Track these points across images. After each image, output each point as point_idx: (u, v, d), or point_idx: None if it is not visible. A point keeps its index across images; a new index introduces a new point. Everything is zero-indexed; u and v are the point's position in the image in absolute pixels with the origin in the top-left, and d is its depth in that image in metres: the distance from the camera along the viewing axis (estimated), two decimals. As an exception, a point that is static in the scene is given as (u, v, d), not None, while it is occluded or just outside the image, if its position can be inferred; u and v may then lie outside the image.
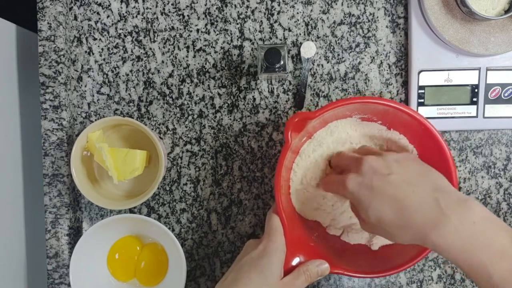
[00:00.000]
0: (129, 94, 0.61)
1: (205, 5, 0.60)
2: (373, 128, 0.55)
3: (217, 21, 0.60)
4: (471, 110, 0.58)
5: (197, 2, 0.60)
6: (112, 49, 0.61)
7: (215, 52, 0.60)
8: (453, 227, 0.39)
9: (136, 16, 0.60)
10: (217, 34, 0.60)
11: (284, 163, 0.50)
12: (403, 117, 0.51)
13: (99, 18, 0.61)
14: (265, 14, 0.60)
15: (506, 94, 0.58)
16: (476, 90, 0.58)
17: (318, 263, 0.49)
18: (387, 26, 0.60)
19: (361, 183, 0.44)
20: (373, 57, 0.60)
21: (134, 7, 0.60)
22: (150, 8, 0.60)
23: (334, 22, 0.60)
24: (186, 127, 0.61)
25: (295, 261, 0.50)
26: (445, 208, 0.40)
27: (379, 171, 0.44)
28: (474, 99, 0.58)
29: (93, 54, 0.61)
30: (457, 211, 0.40)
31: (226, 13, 0.60)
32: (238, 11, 0.60)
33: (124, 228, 0.60)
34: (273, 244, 0.47)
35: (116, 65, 0.61)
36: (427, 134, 0.51)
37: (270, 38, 0.60)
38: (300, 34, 0.60)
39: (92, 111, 0.61)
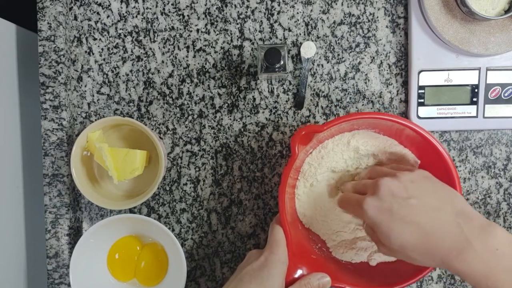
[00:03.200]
0: (129, 94, 0.61)
1: (205, 5, 0.60)
2: (382, 140, 0.55)
3: (217, 21, 0.60)
4: (471, 110, 0.58)
5: (197, 2, 0.60)
6: (112, 49, 0.61)
7: (215, 52, 0.60)
8: (476, 253, 0.39)
9: (136, 16, 0.60)
10: (217, 34, 0.60)
11: (289, 175, 0.50)
12: (410, 133, 0.51)
13: (99, 18, 0.61)
14: (265, 14, 0.60)
15: (506, 94, 0.58)
16: (476, 90, 0.58)
17: (319, 276, 0.49)
18: (387, 26, 0.60)
19: (380, 207, 0.43)
20: (373, 57, 0.60)
21: (134, 7, 0.60)
22: (150, 8, 0.60)
23: (334, 22, 0.60)
24: (186, 127, 0.61)
25: (298, 273, 0.50)
26: (468, 234, 0.40)
27: (398, 195, 0.43)
28: (474, 99, 0.58)
29: (93, 54, 0.61)
30: (480, 237, 0.40)
31: (226, 13, 0.60)
32: (238, 11, 0.60)
33: (124, 228, 0.59)
34: (275, 256, 0.47)
35: (116, 65, 0.61)
36: (433, 152, 0.51)
37: (270, 38, 0.60)
38: (300, 34, 0.60)
39: (92, 111, 0.61)
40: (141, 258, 0.60)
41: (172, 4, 0.60)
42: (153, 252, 0.60)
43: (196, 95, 0.61)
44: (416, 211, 0.42)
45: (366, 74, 0.60)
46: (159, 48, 0.60)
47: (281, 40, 0.60)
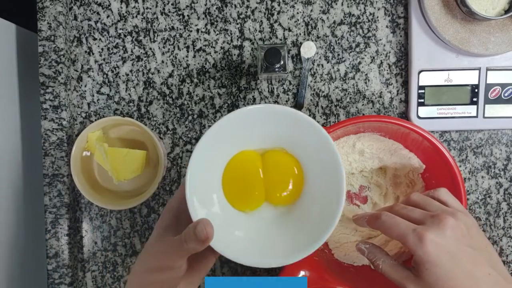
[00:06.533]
0: (129, 94, 0.61)
1: (205, 5, 0.60)
2: (387, 144, 0.55)
3: (217, 21, 0.60)
4: (471, 110, 0.58)
5: (197, 2, 0.60)
6: (112, 49, 0.61)
7: (215, 52, 0.60)
8: None
9: (136, 16, 0.60)
10: (217, 34, 0.60)
11: None
12: (415, 137, 0.51)
13: (99, 18, 0.61)
14: (265, 14, 0.60)
15: (506, 94, 0.58)
16: (476, 90, 0.58)
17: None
18: (387, 26, 0.60)
19: (442, 246, 0.41)
20: (373, 57, 0.60)
21: (134, 7, 0.60)
22: (150, 8, 0.60)
23: (334, 22, 0.60)
24: (186, 127, 0.61)
25: (300, 274, 0.50)
26: None
27: (461, 240, 0.42)
28: (474, 99, 0.58)
29: (93, 54, 0.61)
30: None
31: (226, 13, 0.60)
32: (238, 11, 0.60)
33: (244, 133, 0.44)
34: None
35: (116, 65, 0.61)
36: (439, 157, 0.51)
37: (270, 38, 0.60)
38: (300, 34, 0.60)
39: (92, 111, 0.61)
40: (270, 172, 0.44)
41: (172, 4, 0.60)
42: (280, 159, 0.45)
43: (196, 95, 0.61)
44: (474, 262, 0.41)
45: (366, 74, 0.60)
46: (159, 48, 0.60)
47: (281, 40, 0.60)
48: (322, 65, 0.60)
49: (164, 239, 0.42)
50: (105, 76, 0.61)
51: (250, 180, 0.45)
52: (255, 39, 0.60)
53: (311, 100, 0.60)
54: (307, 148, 0.44)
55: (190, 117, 0.61)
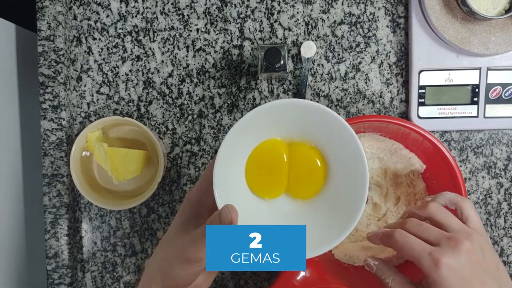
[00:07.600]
0: (129, 94, 0.61)
1: (205, 4, 0.60)
2: (387, 144, 0.55)
3: (217, 21, 0.60)
4: (472, 110, 0.58)
5: (197, 2, 0.60)
6: (111, 48, 0.61)
7: (215, 51, 0.60)
8: None
9: (136, 16, 0.60)
10: (217, 33, 0.60)
11: None
12: (416, 137, 0.51)
13: (99, 18, 0.60)
14: (265, 13, 0.60)
15: (506, 94, 0.58)
16: (476, 90, 0.58)
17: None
18: (387, 26, 0.60)
19: (456, 271, 0.41)
20: (374, 57, 0.60)
21: (134, 6, 0.60)
22: (150, 8, 0.60)
23: (335, 22, 0.60)
24: (186, 127, 0.61)
25: (301, 274, 0.50)
26: None
27: (475, 263, 0.42)
28: (475, 99, 0.58)
29: (92, 53, 0.61)
30: None
31: (226, 12, 0.60)
32: (238, 11, 0.60)
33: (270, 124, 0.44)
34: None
35: (116, 64, 0.61)
36: (439, 157, 0.51)
37: (270, 38, 0.60)
38: (300, 33, 0.60)
39: (91, 111, 0.61)
40: (293, 164, 0.45)
41: (171, 4, 0.60)
42: (303, 153, 0.45)
43: (196, 95, 0.60)
44: (484, 287, 0.42)
45: (367, 74, 0.60)
46: (158, 47, 0.60)
47: (281, 39, 0.60)
48: (322, 65, 0.60)
49: (188, 232, 0.42)
50: (104, 76, 0.61)
51: (274, 166, 0.44)
52: (255, 39, 0.60)
53: (311, 100, 0.60)
54: (332, 143, 0.44)
55: (190, 117, 0.61)
